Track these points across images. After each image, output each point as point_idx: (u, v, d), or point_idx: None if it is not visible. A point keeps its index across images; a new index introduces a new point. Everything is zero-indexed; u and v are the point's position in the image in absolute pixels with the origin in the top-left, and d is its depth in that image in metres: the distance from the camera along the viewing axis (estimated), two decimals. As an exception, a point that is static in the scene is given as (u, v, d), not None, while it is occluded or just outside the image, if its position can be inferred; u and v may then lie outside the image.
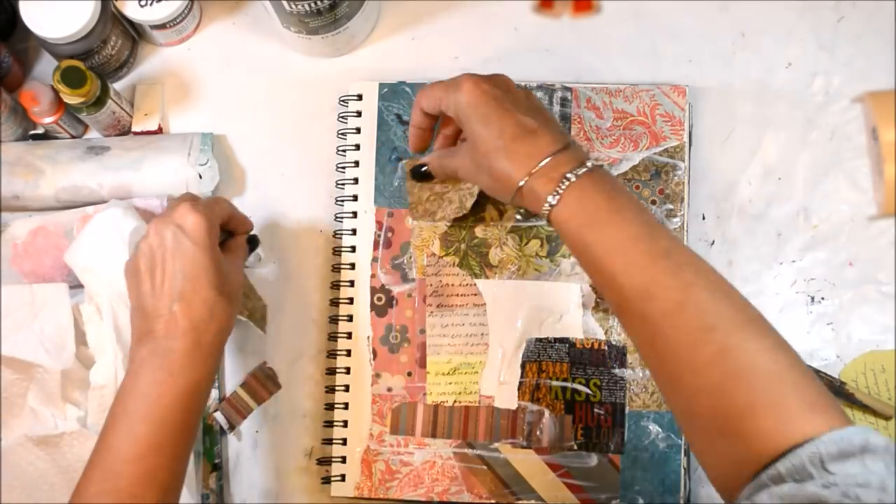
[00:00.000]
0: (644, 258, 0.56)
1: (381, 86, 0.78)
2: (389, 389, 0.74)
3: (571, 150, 0.60)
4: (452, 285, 0.75)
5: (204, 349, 0.62)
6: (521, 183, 0.60)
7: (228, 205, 0.69)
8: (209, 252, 0.63)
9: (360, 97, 0.78)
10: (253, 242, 0.73)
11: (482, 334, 0.74)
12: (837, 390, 0.73)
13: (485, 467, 0.73)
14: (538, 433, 0.73)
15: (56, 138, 0.79)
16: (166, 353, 0.61)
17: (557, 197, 0.58)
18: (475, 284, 0.75)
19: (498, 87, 0.63)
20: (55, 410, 0.70)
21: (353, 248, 0.76)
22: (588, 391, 0.73)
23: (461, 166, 0.66)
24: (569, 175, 0.58)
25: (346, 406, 0.74)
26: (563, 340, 0.74)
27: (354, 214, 0.77)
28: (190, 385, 0.61)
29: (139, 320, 0.63)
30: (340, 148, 0.78)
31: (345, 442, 0.74)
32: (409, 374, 0.74)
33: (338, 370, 0.75)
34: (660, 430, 0.72)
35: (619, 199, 0.58)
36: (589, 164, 0.59)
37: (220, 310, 0.63)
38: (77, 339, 0.71)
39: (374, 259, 0.76)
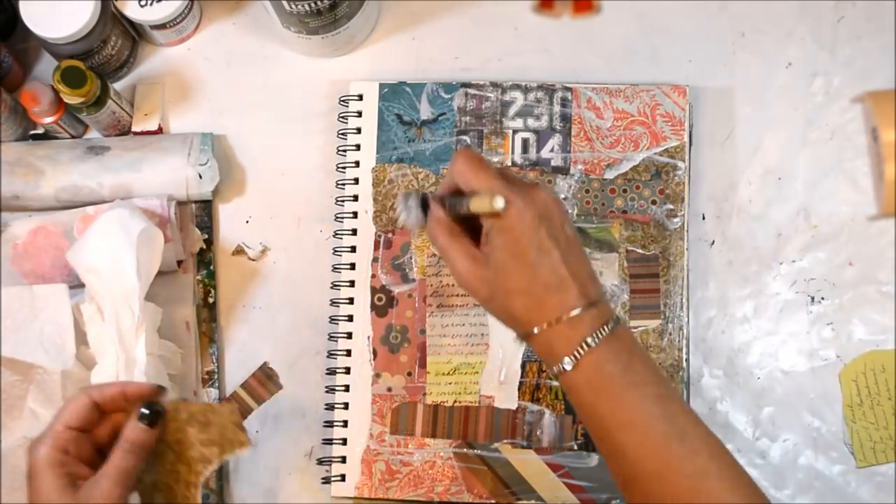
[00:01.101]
0: (659, 439, 0.54)
1: (382, 86, 0.78)
2: (389, 389, 0.74)
3: (598, 307, 0.56)
4: (453, 285, 0.75)
5: None
6: (536, 331, 0.56)
7: (86, 395, 0.59)
8: (42, 490, 0.57)
9: (360, 97, 0.78)
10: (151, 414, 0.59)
11: (482, 334, 0.74)
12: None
13: (485, 467, 0.73)
14: (538, 433, 0.73)
15: (56, 138, 0.79)
16: None
17: (573, 362, 0.55)
18: (475, 284, 0.75)
19: (546, 219, 0.56)
20: (55, 412, 0.69)
21: (354, 248, 0.76)
22: (588, 391, 0.73)
23: (466, 271, 0.58)
24: (589, 340, 0.55)
25: (346, 406, 0.74)
26: (563, 340, 0.74)
27: (354, 214, 0.77)
28: None
29: None
30: (340, 148, 0.78)
31: (345, 442, 0.74)
32: (409, 374, 0.74)
33: (338, 370, 0.75)
34: (660, 430, 0.72)
35: (635, 368, 0.56)
36: (610, 324, 0.56)
37: None
38: (77, 339, 0.70)
39: (375, 259, 0.76)
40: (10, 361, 0.71)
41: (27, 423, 0.70)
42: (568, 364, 0.55)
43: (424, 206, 0.60)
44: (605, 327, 0.56)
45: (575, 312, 0.55)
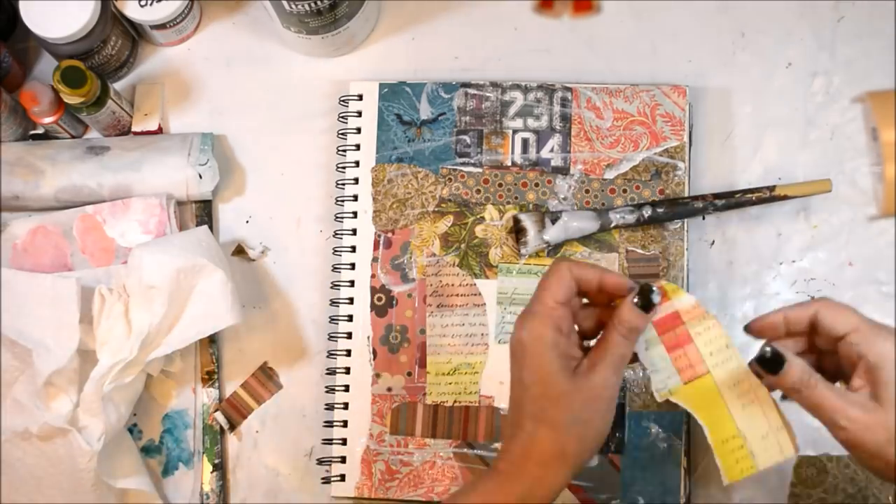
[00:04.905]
0: None
1: (382, 86, 0.78)
2: (389, 389, 0.74)
3: None
4: (452, 285, 0.75)
5: (516, 486, 0.54)
6: None
7: (567, 268, 0.57)
8: (539, 371, 0.54)
9: (360, 97, 0.78)
10: (645, 296, 0.57)
11: (482, 334, 0.74)
12: (770, 198, 0.74)
13: (485, 467, 0.73)
14: (538, 433, 0.73)
15: (56, 138, 0.79)
16: (493, 470, 0.55)
17: None
18: (475, 284, 0.75)
19: None
20: (41, 403, 0.69)
21: (353, 248, 0.76)
22: (588, 391, 0.73)
23: (855, 419, 0.54)
24: None
25: (346, 406, 0.74)
26: (563, 340, 0.74)
27: (354, 214, 0.77)
28: None
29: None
30: (340, 148, 0.78)
31: (345, 442, 0.74)
32: (409, 374, 0.74)
33: (338, 370, 0.75)
34: (660, 430, 0.72)
35: None
36: None
37: (542, 445, 0.54)
38: (84, 321, 0.70)
39: (374, 259, 0.76)
40: (11, 343, 0.71)
41: (10, 414, 0.70)
42: None
43: (774, 361, 0.57)
44: None
45: None
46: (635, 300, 0.56)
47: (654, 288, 0.57)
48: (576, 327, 0.58)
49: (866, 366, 0.55)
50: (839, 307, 0.57)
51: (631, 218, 0.73)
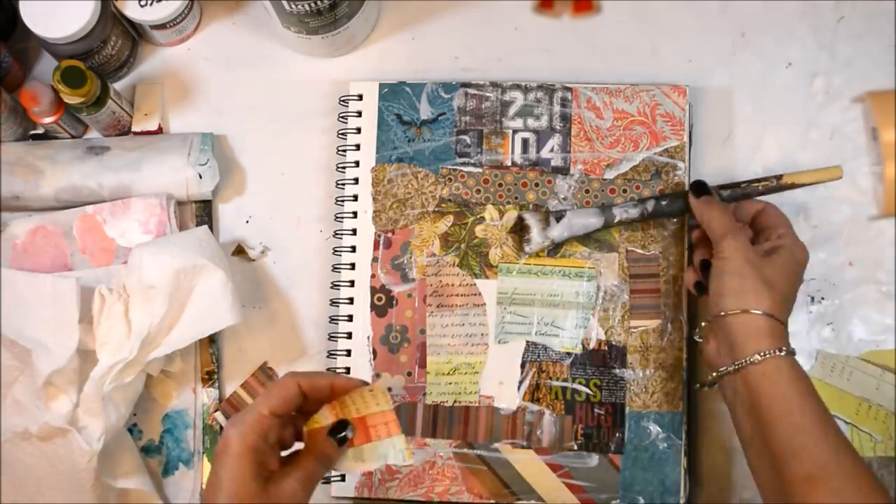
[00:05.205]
0: (827, 449, 0.59)
1: (382, 86, 0.78)
2: (389, 389, 0.74)
3: (786, 333, 0.64)
4: (452, 285, 0.75)
5: None
6: (732, 311, 0.64)
7: (295, 383, 0.58)
8: (236, 473, 0.55)
9: (360, 97, 0.78)
10: (340, 431, 0.59)
11: (482, 334, 0.74)
12: (778, 187, 0.73)
13: (485, 467, 0.73)
14: (538, 433, 0.73)
15: (56, 138, 0.79)
16: None
17: (765, 357, 0.62)
18: (475, 284, 0.75)
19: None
20: (41, 403, 0.69)
21: (353, 248, 0.76)
22: (588, 391, 0.73)
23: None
24: (784, 347, 0.62)
25: (346, 406, 0.74)
26: (563, 340, 0.74)
27: (354, 214, 0.77)
28: None
29: None
30: (340, 148, 0.78)
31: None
32: (409, 374, 0.74)
33: (338, 370, 0.75)
34: (660, 430, 0.72)
35: (810, 386, 0.62)
36: (790, 349, 0.63)
37: None
38: (83, 321, 0.70)
39: (375, 259, 0.76)
40: (11, 343, 0.71)
41: (10, 414, 0.70)
42: (760, 356, 0.62)
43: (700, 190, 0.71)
44: (786, 348, 0.63)
45: (758, 312, 0.63)
46: (332, 433, 0.58)
47: (349, 433, 0.58)
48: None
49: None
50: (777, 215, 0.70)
51: (634, 212, 0.73)
